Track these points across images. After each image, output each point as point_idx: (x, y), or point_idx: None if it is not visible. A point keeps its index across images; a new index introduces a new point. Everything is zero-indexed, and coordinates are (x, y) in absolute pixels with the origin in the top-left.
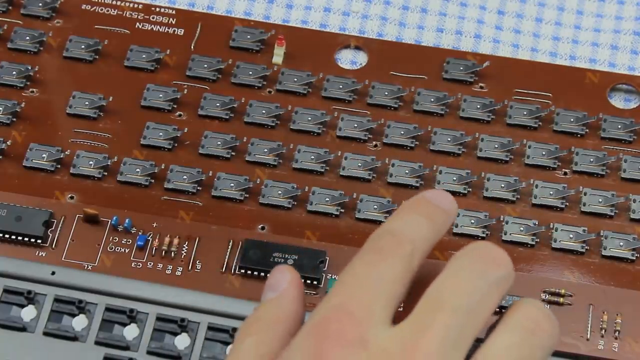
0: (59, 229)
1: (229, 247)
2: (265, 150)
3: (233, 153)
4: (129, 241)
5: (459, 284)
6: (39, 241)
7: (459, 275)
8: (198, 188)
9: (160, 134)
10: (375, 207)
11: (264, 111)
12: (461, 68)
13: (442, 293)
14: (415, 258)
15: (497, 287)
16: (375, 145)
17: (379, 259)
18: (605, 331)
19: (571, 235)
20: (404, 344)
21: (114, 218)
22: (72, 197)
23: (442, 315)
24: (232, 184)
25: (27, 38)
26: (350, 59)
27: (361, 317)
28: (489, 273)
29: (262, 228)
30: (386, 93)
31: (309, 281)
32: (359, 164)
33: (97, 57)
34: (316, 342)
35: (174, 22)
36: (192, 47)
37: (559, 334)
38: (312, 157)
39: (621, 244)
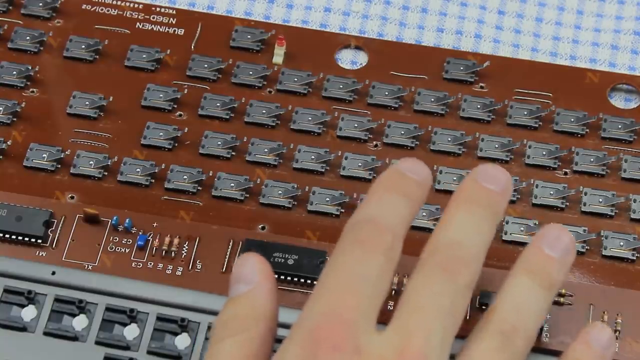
0: (59, 229)
1: (229, 247)
2: (266, 150)
3: (233, 153)
4: (129, 241)
5: (433, 289)
6: (39, 241)
7: (432, 281)
8: (198, 188)
9: (161, 133)
10: None
11: (264, 111)
12: (461, 68)
13: (419, 296)
14: (397, 247)
15: (466, 289)
16: (376, 145)
17: (361, 254)
18: None
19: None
20: (396, 348)
21: (114, 218)
22: (72, 197)
23: (426, 317)
24: (232, 184)
25: (28, 38)
26: (350, 59)
27: (352, 323)
28: (457, 280)
29: (262, 228)
30: (386, 93)
31: (309, 281)
32: (359, 164)
33: (97, 57)
34: (310, 351)
35: (174, 22)
36: (192, 47)
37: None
38: (313, 157)
39: (621, 244)
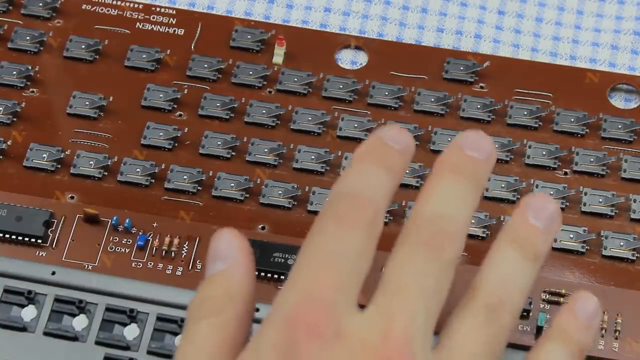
0: (59, 229)
1: None
2: (266, 150)
3: (233, 153)
4: (129, 241)
5: (416, 267)
6: (39, 241)
7: (415, 258)
8: (198, 188)
9: (161, 133)
10: None
11: (264, 111)
12: (461, 68)
13: (402, 274)
14: (378, 220)
15: (451, 265)
16: None
17: (340, 229)
18: (605, 331)
19: (571, 235)
20: (379, 331)
21: (114, 218)
22: (72, 197)
23: (410, 297)
24: (232, 184)
25: (28, 38)
26: (350, 59)
27: (331, 303)
28: (442, 256)
29: (262, 228)
30: (386, 93)
31: None
32: None
33: (97, 57)
34: (288, 336)
35: (174, 22)
36: (192, 47)
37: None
38: (313, 157)
39: (621, 244)
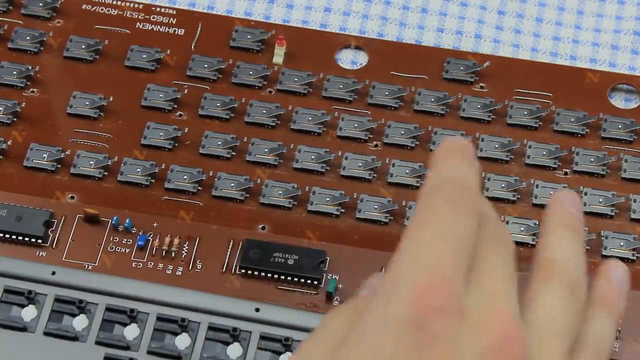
0: (59, 229)
1: (230, 247)
2: (266, 150)
3: (233, 153)
4: (130, 241)
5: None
6: (39, 241)
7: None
8: (198, 188)
9: (161, 133)
10: (376, 207)
11: (264, 111)
12: (461, 68)
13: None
14: (476, 209)
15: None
16: (376, 145)
17: (455, 212)
18: None
19: None
20: (491, 308)
21: (115, 218)
22: (72, 197)
23: (495, 277)
24: (232, 184)
25: (28, 38)
26: (350, 59)
27: (454, 283)
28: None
29: (263, 228)
30: (386, 93)
31: (309, 281)
32: (360, 164)
33: (97, 57)
34: (416, 312)
35: (174, 22)
36: (192, 47)
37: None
38: (313, 157)
39: (622, 244)
